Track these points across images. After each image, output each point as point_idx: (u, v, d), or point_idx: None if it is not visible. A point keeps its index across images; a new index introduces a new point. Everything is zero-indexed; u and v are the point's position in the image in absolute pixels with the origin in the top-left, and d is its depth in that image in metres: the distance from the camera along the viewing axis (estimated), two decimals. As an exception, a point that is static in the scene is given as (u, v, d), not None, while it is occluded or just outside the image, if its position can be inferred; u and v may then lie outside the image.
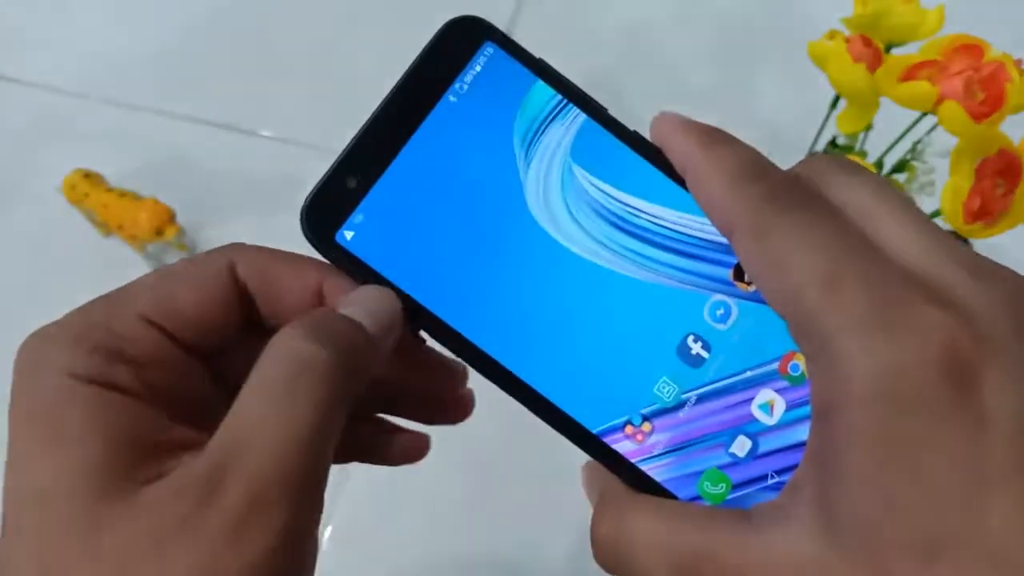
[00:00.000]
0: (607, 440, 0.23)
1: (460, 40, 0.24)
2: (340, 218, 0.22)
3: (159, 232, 0.58)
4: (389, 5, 0.75)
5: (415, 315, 0.23)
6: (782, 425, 0.22)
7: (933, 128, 0.44)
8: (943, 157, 0.42)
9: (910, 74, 0.41)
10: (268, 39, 0.75)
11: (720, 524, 0.19)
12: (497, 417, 0.64)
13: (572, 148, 0.23)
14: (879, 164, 0.48)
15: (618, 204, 0.23)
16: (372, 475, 0.57)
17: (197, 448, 0.19)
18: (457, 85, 0.23)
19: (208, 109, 0.70)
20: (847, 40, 0.42)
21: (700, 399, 0.22)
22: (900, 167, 0.48)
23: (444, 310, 0.23)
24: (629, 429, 0.22)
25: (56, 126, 0.70)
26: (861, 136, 0.47)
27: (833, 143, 0.49)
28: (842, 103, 0.44)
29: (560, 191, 0.23)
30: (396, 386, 0.26)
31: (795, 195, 0.20)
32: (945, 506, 0.16)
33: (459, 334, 0.23)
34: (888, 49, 0.44)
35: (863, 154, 0.47)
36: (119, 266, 0.62)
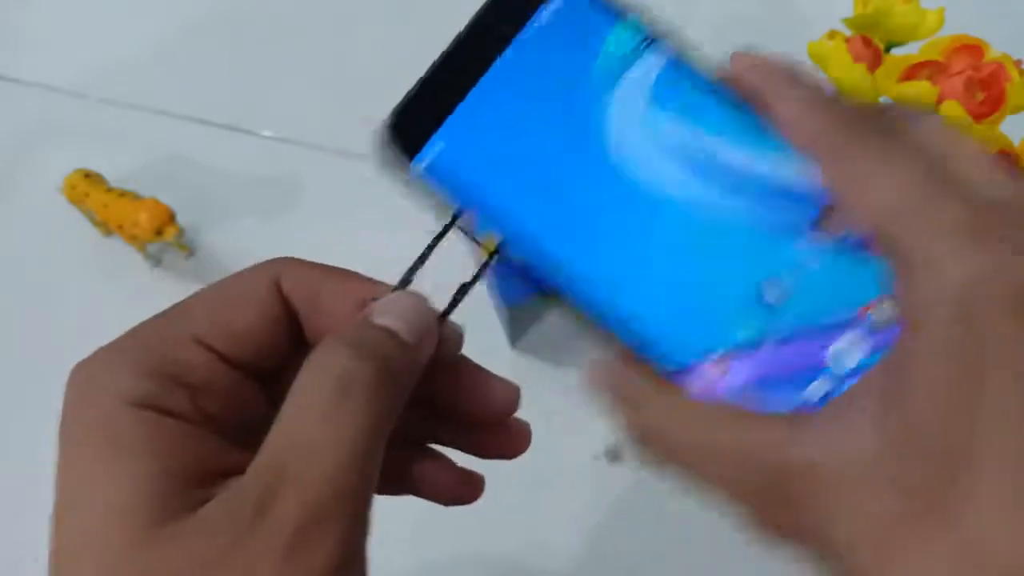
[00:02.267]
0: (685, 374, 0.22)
1: None
2: (420, 142, 0.21)
3: (159, 232, 0.58)
4: (389, 5, 0.75)
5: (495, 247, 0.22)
6: (858, 371, 0.21)
7: (933, 128, 0.44)
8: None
9: (910, 74, 0.41)
10: (268, 39, 0.75)
11: (801, 425, 0.19)
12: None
13: (654, 87, 0.22)
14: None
15: (700, 146, 0.22)
16: (372, 475, 0.57)
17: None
18: (538, 16, 0.22)
19: (208, 109, 0.70)
20: (847, 40, 0.42)
21: (778, 342, 0.22)
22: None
23: (524, 242, 0.22)
24: (707, 365, 0.22)
25: (56, 126, 0.70)
26: (861, 136, 0.47)
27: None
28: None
29: (642, 130, 0.22)
30: (439, 405, 0.26)
31: (880, 122, 0.20)
32: (995, 428, 0.16)
33: (539, 266, 0.22)
34: (888, 49, 0.44)
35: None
36: (119, 266, 0.62)
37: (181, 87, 0.72)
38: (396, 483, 0.26)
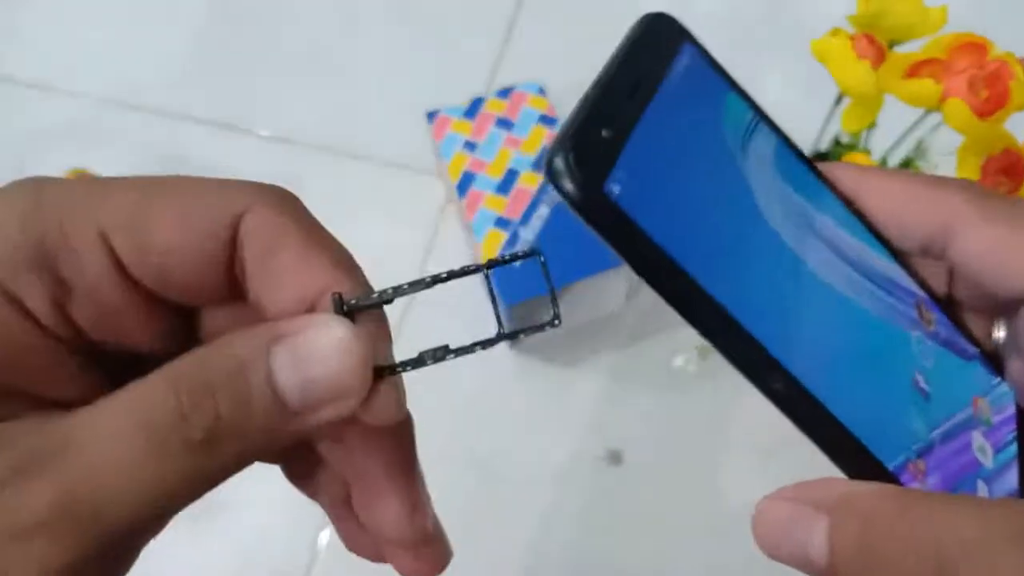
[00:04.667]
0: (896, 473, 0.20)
1: (664, 33, 0.21)
2: (606, 169, 0.18)
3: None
4: (389, 5, 0.75)
5: (681, 296, 0.18)
6: (1000, 468, 0.21)
7: (937, 126, 0.44)
8: (947, 155, 0.42)
9: (914, 72, 0.41)
10: (268, 39, 0.75)
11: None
12: (498, 417, 0.64)
13: (776, 166, 0.21)
14: (883, 162, 0.48)
15: (828, 232, 0.21)
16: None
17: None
18: (669, 75, 0.21)
19: (208, 109, 0.70)
20: (851, 38, 0.41)
21: (942, 439, 0.20)
22: (904, 165, 0.48)
23: (714, 291, 0.18)
24: (911, 466, 0.20)
25: (55, 126, 0.70)
26: (865, 134, 0.47)
27: (837, 141, 0.49)
28: (846, 101, 0.44)
29: (781, 204, 0.21)
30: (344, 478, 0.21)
31: (1001, 197, 0.20)
32: None
33: (740, 325, 0.18)
34: (892, 47, 0.43)
35: (867, 152, 0.47)
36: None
37: (180, 87, 0.72)
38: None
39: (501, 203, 0.57)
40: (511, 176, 0.58)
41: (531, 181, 0.58)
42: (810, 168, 0.22)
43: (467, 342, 0.19)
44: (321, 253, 0.19)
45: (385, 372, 0.18)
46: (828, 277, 0.21)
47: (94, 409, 0.16)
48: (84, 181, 0.18)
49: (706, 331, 0.18)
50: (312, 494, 0.22)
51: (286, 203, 0.19)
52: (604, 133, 0.18)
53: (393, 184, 0.66)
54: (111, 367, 0.19)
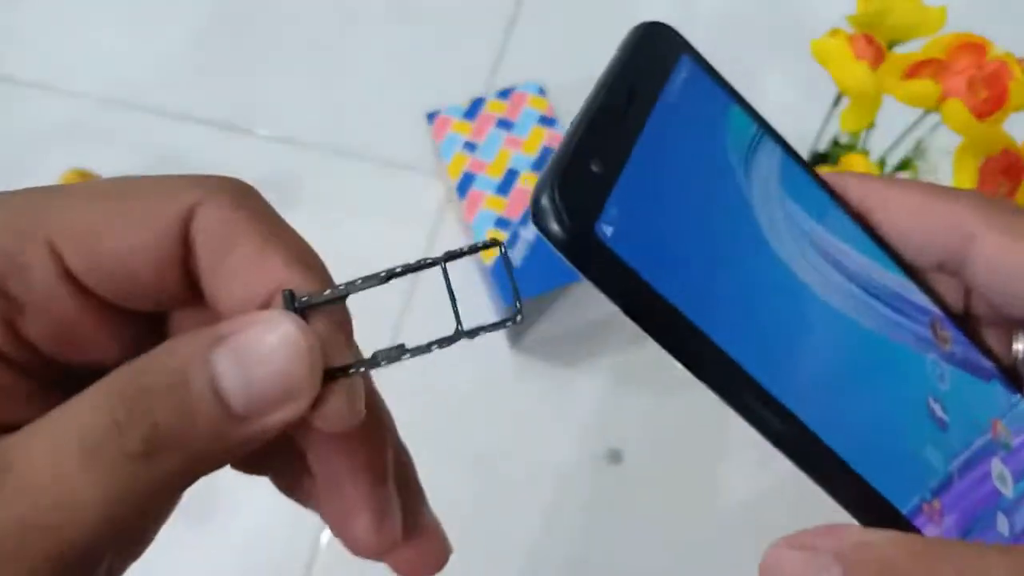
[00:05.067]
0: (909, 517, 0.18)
1: (660, 45, 0.20)
2: (596, 209, 0.16)
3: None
4: (389, 5, 0.75)
5: (680, 344, 0.17)
6: (1020, 497, 0.20)
7: (936, 126, 0.44)
8: (946, 155, 0.42)
9: (913, 72, 0.41)
10: (268, 39, 0.75)
11: None
12: (498, 417, 0.64)
13: (781, 182, 0.20)
14: (882, 162, 0.48)
15: (836, 252, 0.20)
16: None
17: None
18: (666, 91, 0.19)
19: (206, 108, 0.70)
20: (850, 38, 0.42)
21: (959, 471, 0.19)
22: (903, 166, 0.48)
23: (718, 336, 0.17)
24: (926, 507, 0.19)
25: (55, 126, 0.70)
26: (864, 134, 0.47)
27: (836, 141, 0.49)
28: (845, 101, 0.44)
29: (785, 226, 0.19)
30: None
31: (1019, 210, 0.20)
32: None
33: (743, 370, 0.17)
34: (891, 47, 0.44)
35: (866, 152, 0.47)
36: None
37: (179, 86, 0.72)
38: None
39: (501, 203, 0.58)
40: (511, 176, 0.58)
41: (531, 181, 0.58)
42: (818, 182, 0.21)
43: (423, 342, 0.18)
44: (277, 248, 0.17)
45: (337, 374, 0.17)
46: (838, 305, 0.19)
47: (32, 427, 0.15)
48: (26, 192, 0.17)
49: (705, 376, 0.17)
50: (303, 502, 0.22)
51: (240, 196, 0.18)
52: (594, 168, 0.17)
53: (393, 184, 0.66)
54: (75, 386, 0.17)
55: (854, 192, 0.21)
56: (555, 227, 0.16)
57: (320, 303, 0.18)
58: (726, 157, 0.19)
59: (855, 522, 0.18)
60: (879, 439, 0.19)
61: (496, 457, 0.57)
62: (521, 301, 0.19)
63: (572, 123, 0.18)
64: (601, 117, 0.18)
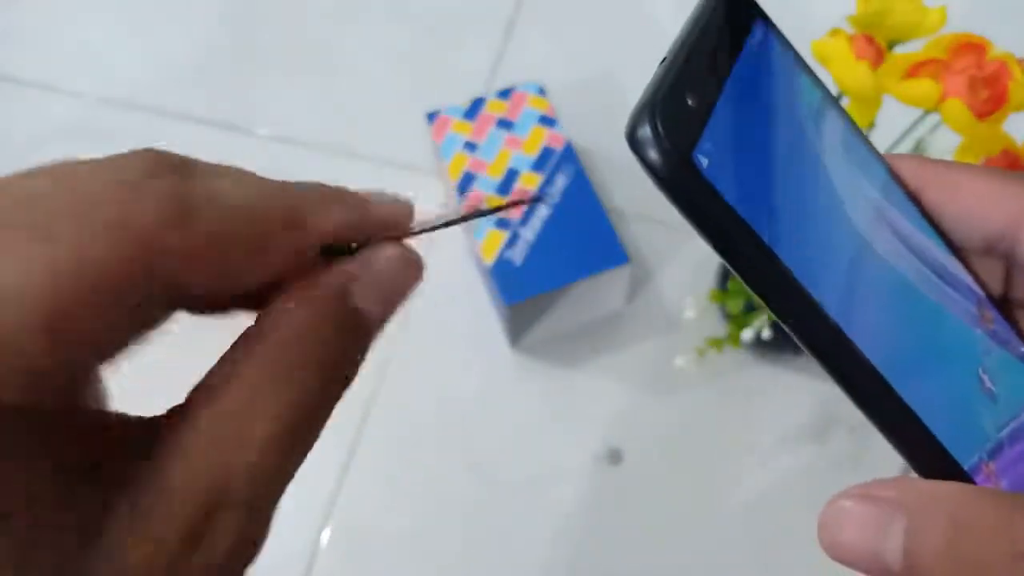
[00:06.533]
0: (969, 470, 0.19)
1: (736, 9, 0.20)
2: (693, 140, 0.17)
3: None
4: (389, 5, 0.75)
5: (764, 279, 0.17)
6: None
7: (936, 126, 0.44)
8: (946, 156, 0.42)
9: (913, 72, 0.41)
10: (268, 39, 0.75)
11: None
12: (498, 417, 0.64)
13: (845, 151, 0.21)
14: (882, 163, 0.48)
15: (895, 223, 0.20)
16: (370, 475, 0.57)
17: (135, 443, 0.15)
18: (748, 44, 0.20)
19: (208, 109, 0.70)
20: (850, 38, 0.42)
21: (1009, 440, 0.20)
22: (903, 166, 0.48)
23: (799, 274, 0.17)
24: (984, 467, 0.19)
25: (54, 126, 0.70)
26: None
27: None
28: (845, 101, 0.44)
29: (853, 191, 0.20)
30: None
31: None
32: None
33: (825, 315, 0.17)
34: (891, 47, 0.44)
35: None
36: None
37: (179, 86, 0.72)
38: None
39: (502, 203, 0.58)
40: (511, 176, 0.58)
41: (531, 181, 0.58)
42: (877, 157, 0.22)
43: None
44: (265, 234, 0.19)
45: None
46: (901, 268, 0.20)
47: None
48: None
49: (783, 313, 0.17)
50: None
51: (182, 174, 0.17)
52: (690, 102, 0.17)
53: (393, 184, 0.66)
54: None
55: (909, 171, 0.21)
56: (654, 155, 0.16)
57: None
58: (800, 118, 0.20)
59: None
60: (942, 397, 0.19)
61: (496, 457, 0.57)
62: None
63: (665, 58, 0.18)
64: (695, 55, 0.18)
